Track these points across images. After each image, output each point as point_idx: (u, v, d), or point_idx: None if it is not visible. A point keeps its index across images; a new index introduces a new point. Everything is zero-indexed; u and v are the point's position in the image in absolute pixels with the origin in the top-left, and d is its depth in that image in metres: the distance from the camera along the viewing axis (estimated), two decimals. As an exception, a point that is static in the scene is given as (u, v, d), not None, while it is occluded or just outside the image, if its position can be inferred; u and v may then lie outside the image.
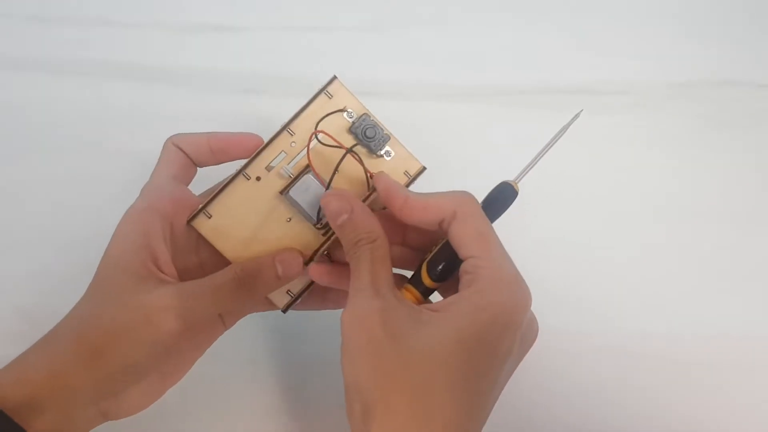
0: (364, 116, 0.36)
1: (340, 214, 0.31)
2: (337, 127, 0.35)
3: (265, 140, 0.35)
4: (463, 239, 0.31)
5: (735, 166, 0.54)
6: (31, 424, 0.29)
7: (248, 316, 0.37)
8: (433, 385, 0.28)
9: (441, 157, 0.51)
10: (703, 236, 0.49)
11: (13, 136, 0.51)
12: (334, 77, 0.36)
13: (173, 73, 0.56)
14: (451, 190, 0.32)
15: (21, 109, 0.53)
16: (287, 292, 0.35)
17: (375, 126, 0.36)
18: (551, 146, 0.34)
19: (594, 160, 0.54)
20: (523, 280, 0.30)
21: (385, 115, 0.55)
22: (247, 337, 0.43)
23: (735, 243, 0.49)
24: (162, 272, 0.32)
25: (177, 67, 0.57)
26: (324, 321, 0.44)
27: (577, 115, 0.34)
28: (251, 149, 0.35)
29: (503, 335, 0.29)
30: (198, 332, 0.33)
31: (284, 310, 0.35)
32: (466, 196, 0.32)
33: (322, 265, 0.35)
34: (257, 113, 0.53)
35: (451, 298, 0.30)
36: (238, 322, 0.37)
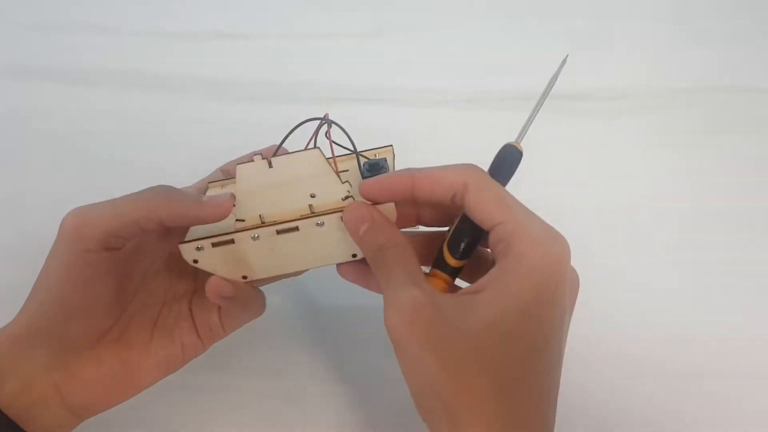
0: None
1: (361, 224, 0.31)
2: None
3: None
4: (483, 209, 0.30)
5: (737, 171, 0.54)
6: (32, 425, 0.30)
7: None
8: (510, 360, 0.27)
9: (438, 162, 0.51)
10: (705, 241, 0.49)
11: (15, 143, 0.51)
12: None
13: (178, 81, 0.57)
14: (455, 164, 0.32)
15: (22, 116, 0.53)
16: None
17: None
18: (545, 98, 0.33)
19: (595, 164, 0.54)
20: (557, 232, 0.30)
21: (385, 120, 0.55)
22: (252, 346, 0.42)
23: (737, 247, 0.49)
24: None
25: (181, 75, 0.57)
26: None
27: (564, 61, 0.34)
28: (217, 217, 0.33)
29: (556, 292, 0.28)
30: (100, 245, 0.32)
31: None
32: (472, 168, 0.31)
33: (351, 265, 0.35)
34: (255, 120, 0.53)
35: (493, 271, 0.29)
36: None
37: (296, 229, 0.33)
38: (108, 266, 0.32)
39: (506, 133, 0.57)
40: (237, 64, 0.58)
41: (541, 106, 0.33)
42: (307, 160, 0.32)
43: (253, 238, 0.33)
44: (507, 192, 0.31)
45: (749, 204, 0.51)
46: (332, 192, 0.33)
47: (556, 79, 0.34)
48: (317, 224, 0.32)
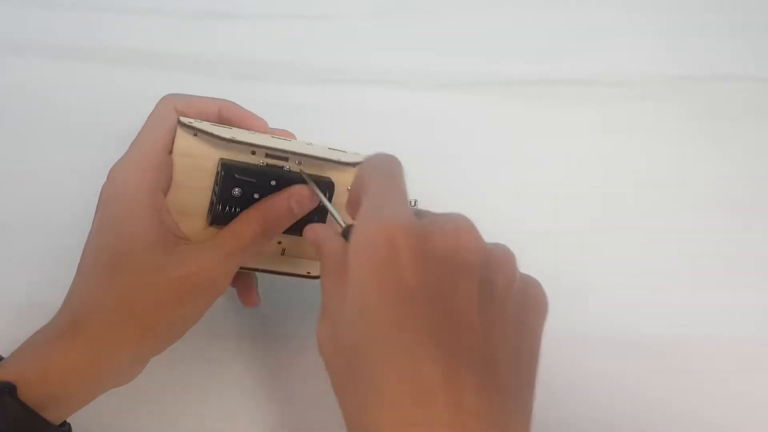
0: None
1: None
2: None
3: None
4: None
5: (737, 159, 0.54)
6: (48, 412, 0.29)
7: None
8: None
9: (439, 146, 0.52)
10: (707, 227, 0.50)
11: (15, 120, 0.51)
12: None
13: (174, 59, 0.56)
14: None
15: (22, 93, 0.53)
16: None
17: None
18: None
19: (594, 151, 0.54)
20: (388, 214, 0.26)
21: (384, 103, 0.55)
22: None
23: (739, 234, 0.49)
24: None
25: (178, 53, 0.57)
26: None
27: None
28: (258, 131, 0.35)
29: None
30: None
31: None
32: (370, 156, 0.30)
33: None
34: (257, 99, 0.53)
35: None
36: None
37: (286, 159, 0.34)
38: None
39: (505, 118, 0.57)
40: (238, 43, 0.58)
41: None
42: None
43: (253, 153, 0.34)
44: (376, 176, 0.27)
45: (751, 192, 0.52)
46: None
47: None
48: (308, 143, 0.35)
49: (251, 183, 0.33)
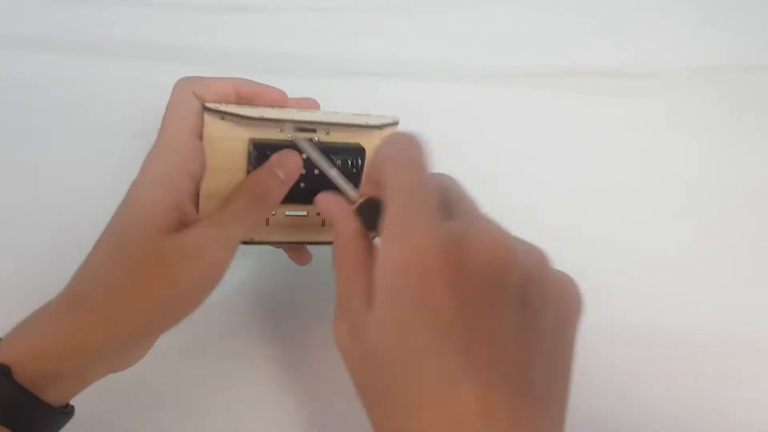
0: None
1: (329, 215, 0.30)
2: None
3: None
4: (366, 176, 0.30)
5: (760, 151, 0.53)
6: (47, 393, 0.28)
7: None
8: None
9: (457, 140, 0.51)
10: (732, 223, 0.48)
11: (33, 114, 0.51)
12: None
13: (193, 53, 0.56)
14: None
15: (40, 88, 0.53)
16: None
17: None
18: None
19: (618, 144, 0.53)
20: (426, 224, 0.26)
21: (401, 96, 0.55)
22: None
23: (761, 228, 0.48)
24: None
25: (197, 47, 0.57)
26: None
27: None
28: (277, 103, 0.35)
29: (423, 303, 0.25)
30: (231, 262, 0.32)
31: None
32: (390, 134, 0.29)
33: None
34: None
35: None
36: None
37: (314, 131, 0.34)
38: None
39: (529, 110, 0.56)
40: (254, 36, 0.58)
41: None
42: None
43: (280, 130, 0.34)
44: (398, 166, 0.26)
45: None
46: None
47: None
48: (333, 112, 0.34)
49: None
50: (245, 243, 0.35)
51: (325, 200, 0.30)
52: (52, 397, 0.29)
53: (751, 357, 0.42)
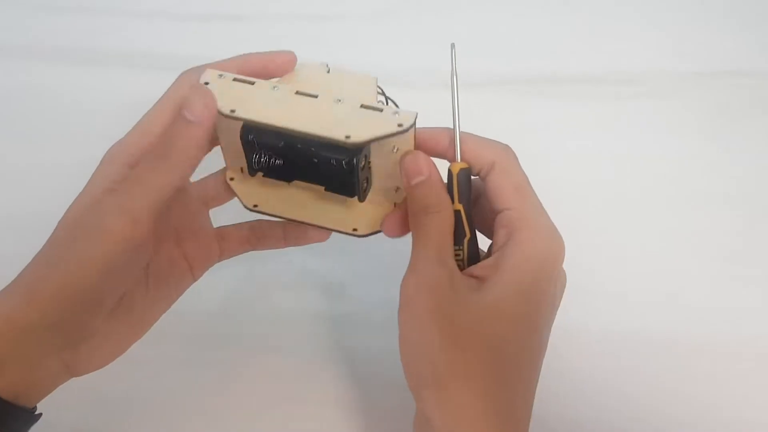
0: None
1: (417, 174, 0.31)
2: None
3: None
4: (501, 192, 0.31)
5: (748, 155, 0.53)
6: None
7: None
8: (504, 340, 0.29)
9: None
10: (715, 225, 0.49)
11: (22, 122, 0.51)
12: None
13: (179, 61, 0.56)
14: (492, 140, 0.33)
15: (30, 96, 0.53)
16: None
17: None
18: (457, 96, 0.34)
19: (601, 149, 0.53)
20: (558, 232, 0.31)
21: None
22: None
23: (748, 231, 0.49)
24: None
25: (186, 56, 0.56)
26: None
27: (453, 49, 0.35)
28: (288, 67, 0.34)
29: (549, 282, 0.31)
30: (149, 236, 0.30)
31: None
32: (504, 148, 0.32)
33: (398, 214, 0.34)
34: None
35: (494, 257, 0.31)
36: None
37: (315, 96, 0.31)
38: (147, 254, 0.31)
39: (515, 116, 0.57)
40: (237, 45, 0.58)
41: (457, 109, 0.34)
42: (360, 82, 0.34)
43: (273, 88, 0.32)
44: (528, 182, 0.32)
45: (760, 189, 0.51)
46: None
47: (456, 73, 0.34)
48: (336, 100, 0.31)
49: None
50: (253, 210, 0.36)
51: (416, 161, 0.31)
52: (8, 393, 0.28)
53: (737, 357, 0.42)
